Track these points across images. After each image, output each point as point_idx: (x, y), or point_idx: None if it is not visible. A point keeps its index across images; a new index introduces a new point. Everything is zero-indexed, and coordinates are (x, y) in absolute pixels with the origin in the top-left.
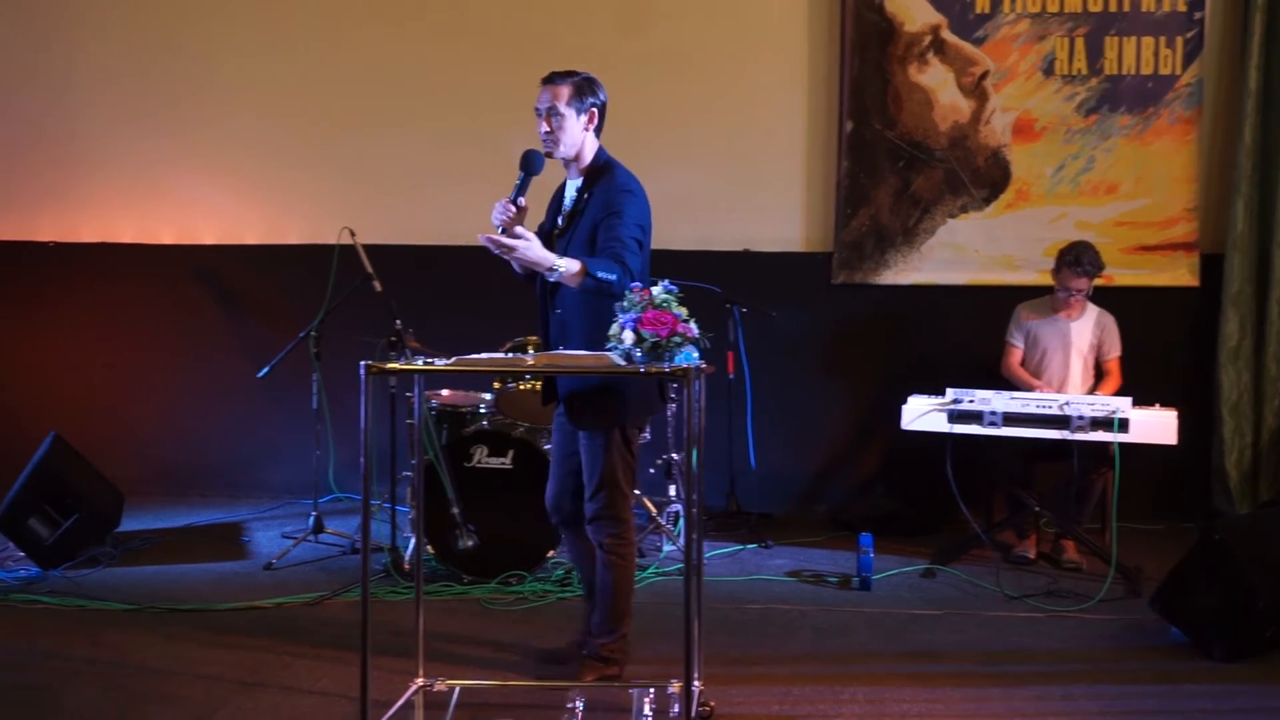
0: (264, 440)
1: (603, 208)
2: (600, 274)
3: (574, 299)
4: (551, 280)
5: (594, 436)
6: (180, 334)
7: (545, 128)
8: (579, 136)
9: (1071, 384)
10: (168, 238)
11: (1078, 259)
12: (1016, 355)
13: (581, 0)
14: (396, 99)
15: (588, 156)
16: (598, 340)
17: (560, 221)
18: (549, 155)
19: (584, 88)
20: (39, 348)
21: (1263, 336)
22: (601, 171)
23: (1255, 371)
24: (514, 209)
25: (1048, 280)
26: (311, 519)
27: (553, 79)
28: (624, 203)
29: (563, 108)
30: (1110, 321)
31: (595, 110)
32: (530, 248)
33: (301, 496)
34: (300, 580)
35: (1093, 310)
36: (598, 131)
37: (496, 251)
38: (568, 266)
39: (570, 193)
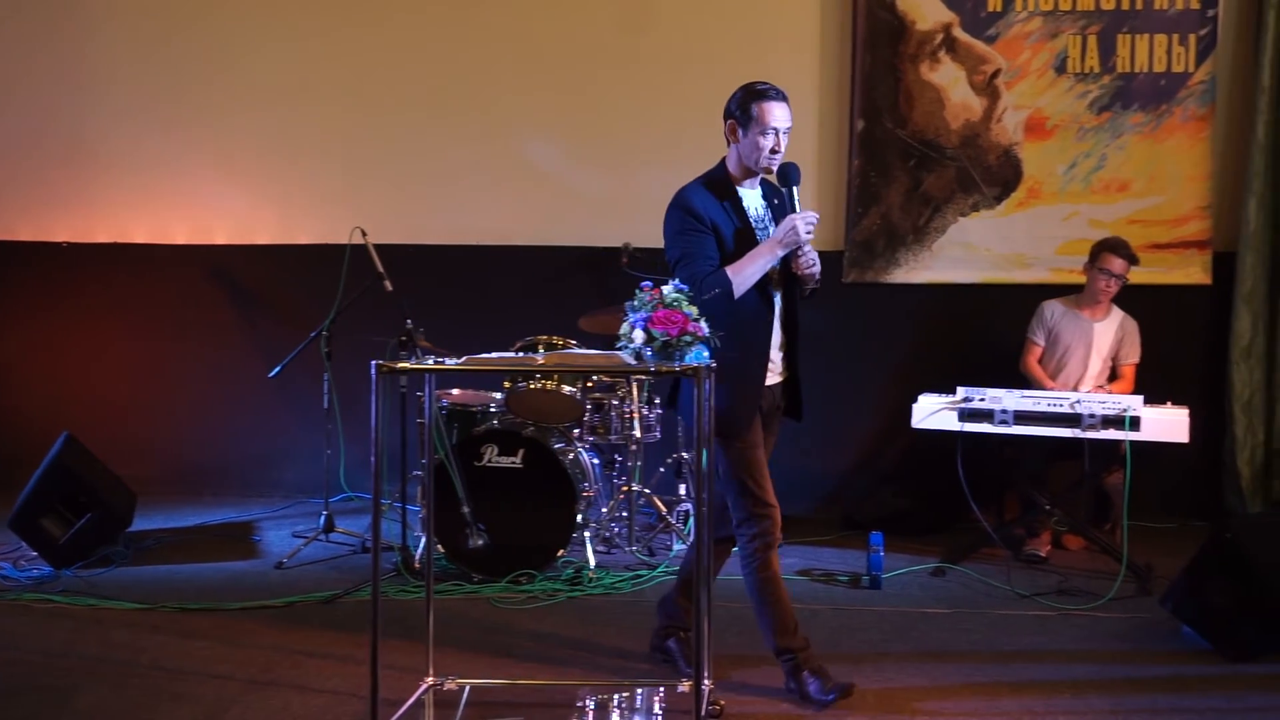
0: (275, 439)
1: None
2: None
3: (793, 303)
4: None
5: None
6: (193, 334)
7: (777, 145)
8: None
9: (1087, 384)
10: (181, 238)
11: (1120, 243)
12: (1036, 352)
13: None
14: (406, 98)
15: None
16: None
17: (759, 228)
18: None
19: None
20: (53, 348)
21: (1275, 334)
22: (768, 181)
23: (1267, 369)
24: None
25: (1060, 278)
26: (322, 518)
27: (785, 99)
28: None
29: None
30: (1133, 327)
31: None
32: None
33: (312, 495)
34: (311, 579)
35: (1117, 313)
36: None
37: (806, 264)
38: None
39: (755, 201)
